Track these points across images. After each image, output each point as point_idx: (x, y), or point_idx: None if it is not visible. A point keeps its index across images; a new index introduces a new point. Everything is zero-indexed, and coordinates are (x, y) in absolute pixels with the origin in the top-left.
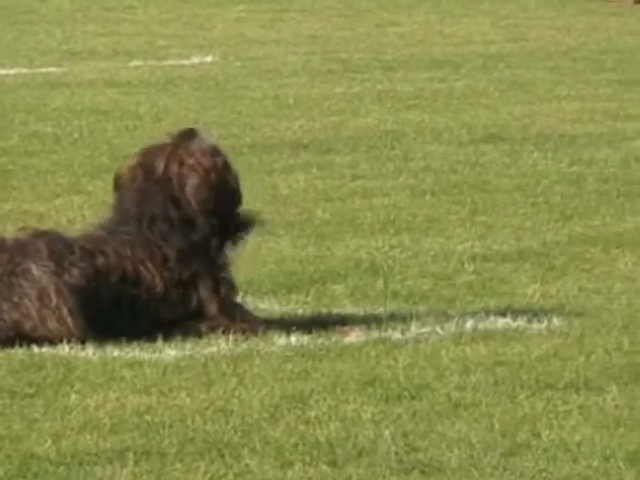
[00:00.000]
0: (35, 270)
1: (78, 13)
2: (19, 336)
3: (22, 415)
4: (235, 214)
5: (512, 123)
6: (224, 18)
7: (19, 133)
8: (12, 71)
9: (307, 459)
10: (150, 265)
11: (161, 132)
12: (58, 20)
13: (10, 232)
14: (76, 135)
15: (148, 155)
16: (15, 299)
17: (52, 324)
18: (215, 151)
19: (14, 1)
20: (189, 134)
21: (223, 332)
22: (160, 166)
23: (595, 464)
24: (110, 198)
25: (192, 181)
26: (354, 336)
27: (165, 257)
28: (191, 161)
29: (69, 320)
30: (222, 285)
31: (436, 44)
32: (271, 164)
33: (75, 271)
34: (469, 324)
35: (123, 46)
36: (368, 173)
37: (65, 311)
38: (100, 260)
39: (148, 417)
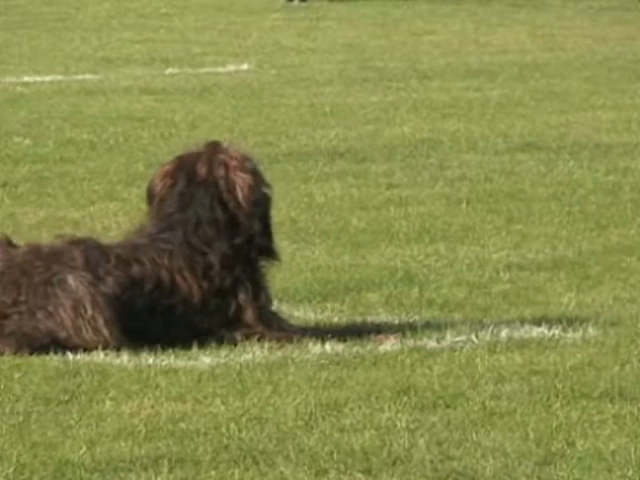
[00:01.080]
0: (71, 280)
1: (114, 20)
2: (54, 344)
3: (57, 422)
4: (271, 221)
5: (548, 132)
6: (260, 26)
7: (55, 140)
8: (48, 78)
9: (342, 467)
10: (188, 275)
11: (196, 140)
12: (94, 27)
13: (46, 239)
14: (112, 142)
15: (186, 160)
16: (50, 308)
17: (88, 335)
18: (251, 158)
19: (50, 8)
20: (216, 145)
21: (258, 340)
22: (202, 170)
23: (630, 474)
24: (145, 206)
25: (242, 182)
26: (389, 344)
27: (208, 265)
28: (235, 163)
29: (105, 331)
30: (261, 293)
31: (472, 53)
32: (307, 172)
33: (110, 280)
34: (504, 333)
35: (159, 53)
36: (404, 182)
37: (101, 322)
38: (135, 269)
39: (183, 424)
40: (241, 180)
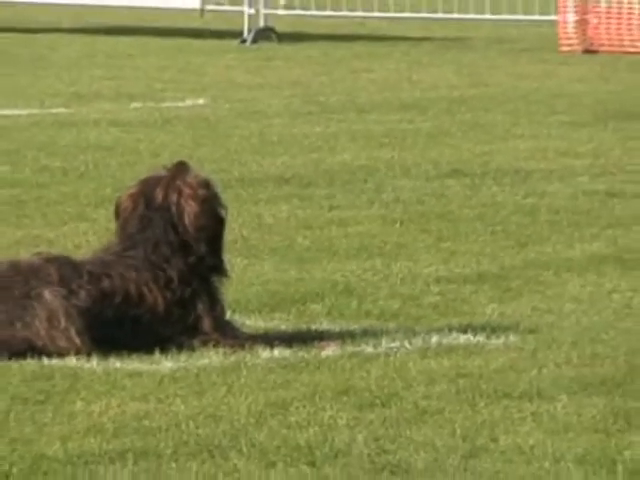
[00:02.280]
0: (47, 294)
1: (84, 60)
2: (31, 350)
3: (33, 420)
4: (223, 240)
5: (473, 160)
6: (215, 65)
7: (31, 167)
8: (25, 112)
9: (288, 460)
10: (153, 287)
11: (161, 164)
12: (66, 66)
13: (24, 256)
14: (82, 169)
15: (148, 185)
16: (28, 319)
17: (61, 343)
18: (208, 183)
19: (27, 50)
20: (182, 166)
21: (214, 346)
22: (159, 195)
23: (547, 465)
24: (112, 226)
25: (190, 210)
26: (330, 350)
27: (168, 278)
28: (188, 191)
29: (76, 339)
30: (216, 304)
31: (405, 89)
32: (257, 195)
33: (83, 294)
34: (434, 339)
35: (124, 89)
36: (344, 204)
37: (73, 331)
38: (106, 283)
39: (146, 422)
40: (189, 208)
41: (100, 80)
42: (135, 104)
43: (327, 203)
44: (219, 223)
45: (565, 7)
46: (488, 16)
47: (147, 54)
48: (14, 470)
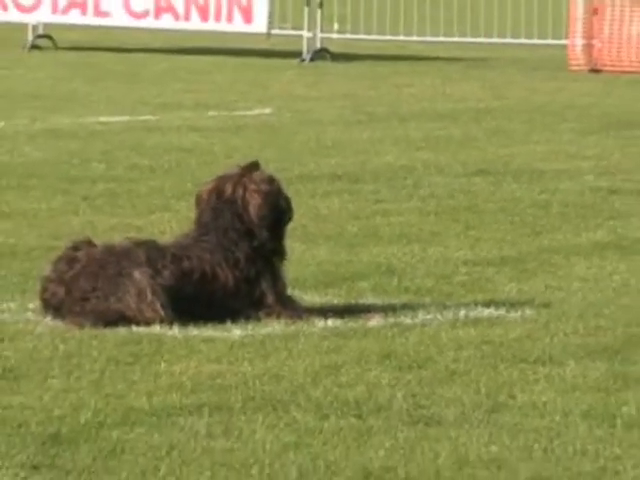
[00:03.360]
0: (136, 274)
1: (169, 75)
2: (122, 320)
3: (124, 378)
4: (284, 228)
5: (496, 161)
6: (278, 80)
7: (123, 165)
8: (119, 118)
9: (339, 413)
10: (225, 266)
11: (233, 165)
12: (154, 80)
13: (117, 240)
14: (166, 167)
15: (221, 181)
16: (120, 294)
17: (148, 314)
18: (271, 180)
19: (121, 67)
20: (252, 165)
21: (277, 317)
22: (229, 190)
23: (557, 419)
24: (192, 215)
25: (253, 202)
26: (375, 321)
27: (236, 260)
28: (252, 187)
29: (161, 311)
30: (278, 281)
31: (439, 101)
32: (314, 190)
33: (166, 273)
34: (462, 312)
35: (202, 100)
36: (387, 198)
37: (158, 305)
38: (185, 263)
39: (219, 380)
40: (253, 200)
41: (182, 92)
42: (211, 112)
43: (373, 197)
44: (280, 214)
45: (574, 32)
46: (509, 40)
47: (221, 70)
48: (108, 420)
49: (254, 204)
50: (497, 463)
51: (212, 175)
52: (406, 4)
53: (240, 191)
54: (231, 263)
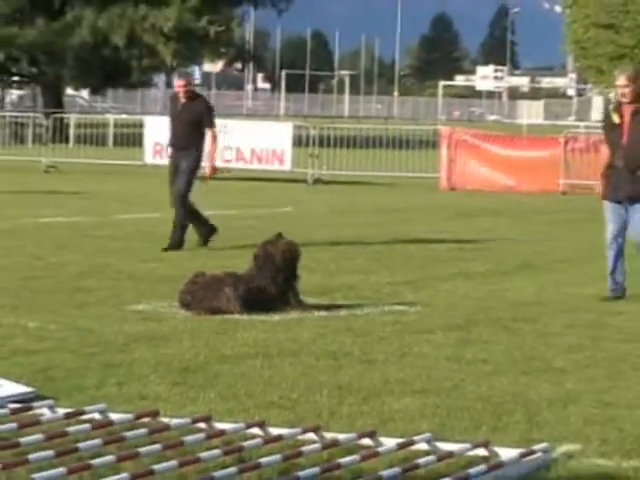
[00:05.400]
0: (227, 290)
1: (240, 193)
2: (219, 312)
3: (223, 341)
4: (297, 271)
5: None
6: (297, 193)
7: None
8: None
9: (325, 359)
10: (271, 285)
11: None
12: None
13: (216, 271)
14: (239, 237)
15: (264, 243)
16: (218, 299)
17: (232, 309)
18: (289, 243)
19: None
20: (279, 235)
21: (295, 310)
22: (268, 248)
23: (428, 364)
24: (250, 261)
25: (276, 256)
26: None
27: (276, 282)
28: (272, 250)
29: (238, 308)
30: (296, 291)
31: (375, 203)
32: (312, 248)
33: (241, 288)
34: (387, 308)
35: (257, 204)
36: (350, 255)
37: (237, 305)
38: (251, 283)
39: (265, 342)
40: (276, 255)
41: (245, 206)
42: (263, 210)
43: (345, 254)
44: (293, 260)
45: (441, 167)
46: (414, 173)
47: (267, 188)
48: (212, 360)
49: (276, 258)
50: None
51: (261, 240)
52: (362, 155)
53: (273, 248)
54: (273, 284)
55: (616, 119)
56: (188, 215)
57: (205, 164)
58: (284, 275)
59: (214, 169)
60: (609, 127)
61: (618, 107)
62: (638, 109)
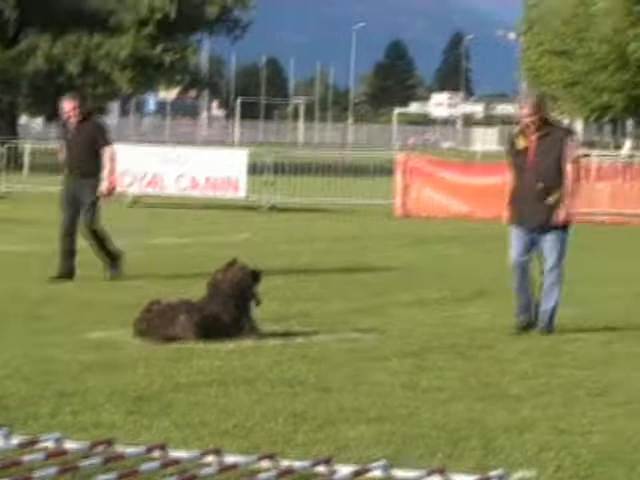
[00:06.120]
0: (181, 317)
1: (200, 221)
2: (175, 339)
3: (174, 367)
4: (252, 293)
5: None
6: (253, 220)
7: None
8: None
9: (281, 386)
10: (224, 312)
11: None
12: (193, 222)
13: (172, 299)
14: (196, 265)
15: (218, 270)
16: (173, 326)
17: (187, 336)
18: (242, 267)
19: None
20: (233, 260)
21: (250, 337)
22: (223, 274)
23: (381, 388)
24: (204, 288)
25: (226, 283)
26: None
27: (229, 308)
28: (233, 271)
29: (194, 335)
30: (250, 318)
31: (328, 231)
32: (271, 274)
33: (196, 316)
34: (342, 335)
35: (219, 232)
36: (289, 281)
37: (193, 332)
38: (205, 311)
39: (219, 369)
40: (226, 281)
41: (207, 225)
42: (220, 237)
43: (302, 281)
44: (247, 285)
45: (396, 195)
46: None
47: (223, 217)
48: (167, 388)
49: (230, 282)
50: None
51: (217, 267)
52: (317, 182)
53: (228, 274)
54: (228, 310)
55: (522, 144)
56: (96, 243)
57: (104, 183)
58: (235, 301)
59: (112, 188)
60: (514, 152)
61: (523, 131)
62: (544, 134)
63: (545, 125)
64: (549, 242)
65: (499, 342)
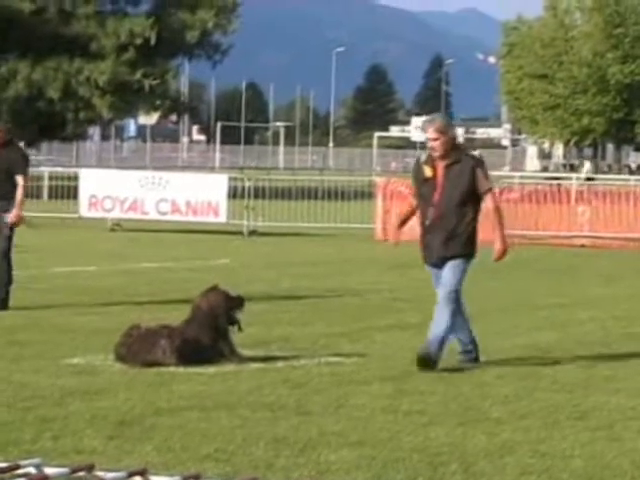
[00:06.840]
0: (162, 342)
1: (178, 244)
2: (155, 364)
3: (154, 392)
4: (231, 317)
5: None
6: (232, 246)
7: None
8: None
9: (263, 410)
10: (205, 337)
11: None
12: (171, 246)
13: (152, 324)
14: (175, 292)
15: (199, 296)
16: (154, 351)
17: (167, 361)
18: (222, 292)
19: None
20: (214, 286)
21: (231, 362)
22: (202, 299)
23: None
24: (185, 313)
25: (204, 308)
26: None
27: (210, 333)
28: (211, 297)
29: (174, 360)
30: (230, 342)
31: (308, 255)
32: (250, 300)
33: (177, 341)
34: (328, 359)
35: (196, 256)
36: (274, 308)
37: (173, 358)
38: (186, 336)
39: (202, 394)
40: (203, 306)
41: (187, 250)
42: (199, 262)
43: (283, 307)
44: (226, 313)
45: (377, 220)
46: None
47: (202, 241)
48: (148, 413)
49: (206, 308)
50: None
51: (197, 292)
52: (297, 207)
53: (209, 299)
54: (208, 335)
55: (428, 173)
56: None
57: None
58: (215, 326)
59: (19, 217)
60: (420, 181)
61: (430, 160)
62: (451, 163)
63: (453, 151)
64: (447, 269)
65: (479, 366)
